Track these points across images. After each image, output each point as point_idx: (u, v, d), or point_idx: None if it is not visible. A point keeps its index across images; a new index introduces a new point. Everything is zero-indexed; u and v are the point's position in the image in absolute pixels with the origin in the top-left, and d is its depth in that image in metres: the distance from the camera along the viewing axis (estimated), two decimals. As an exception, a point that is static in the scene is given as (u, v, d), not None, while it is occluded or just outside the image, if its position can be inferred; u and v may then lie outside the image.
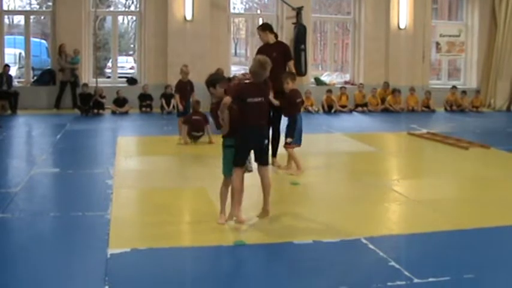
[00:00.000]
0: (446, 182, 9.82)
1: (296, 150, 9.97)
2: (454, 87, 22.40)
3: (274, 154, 10.46)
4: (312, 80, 22.78)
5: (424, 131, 15.59)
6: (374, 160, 11.82)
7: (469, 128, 17.01)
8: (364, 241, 6.38)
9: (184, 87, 13.44)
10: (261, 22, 21.79)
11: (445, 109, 21.75)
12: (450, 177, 10.27)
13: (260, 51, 10.56)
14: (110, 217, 7.07)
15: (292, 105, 9.83)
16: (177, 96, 13.45)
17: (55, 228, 6.91)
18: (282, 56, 10.37)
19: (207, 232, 6.74)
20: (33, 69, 21.87)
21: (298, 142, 9.97)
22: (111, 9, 34.58)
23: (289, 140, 9.83)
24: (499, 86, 22.77)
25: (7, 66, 19.27)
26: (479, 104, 22.12)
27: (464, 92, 22.16)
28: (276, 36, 10.73)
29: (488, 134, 15.96)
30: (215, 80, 7.19)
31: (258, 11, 32.78)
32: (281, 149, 10.38)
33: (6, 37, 21.41)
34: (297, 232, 6.80)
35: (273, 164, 10.38)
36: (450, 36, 23.69)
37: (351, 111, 20.65)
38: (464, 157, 12.17)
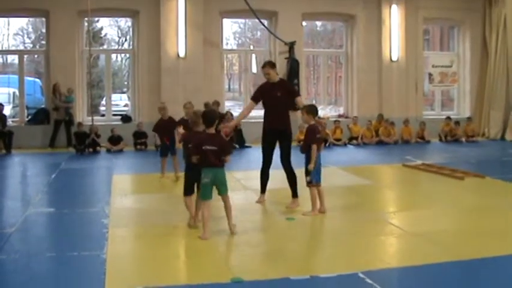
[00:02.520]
0: (442, 213, 9.79)
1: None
2: (448, 117, 22.50)
3: (294, 194, 10.34)
4: (306, 114, 22.80)
5: (419, 162, 15.61)
6: (369, 193, 11.79)
7: (464, 158, 17.03)
8: (361, 275, 6.34)
9: (164, 126, 13.26)
10: (254, 58, 21.97)
11: (440, 139, 21.83)
12: (446, 208, 10.22)
13: (263, 88, 10.54)
14: (105, 256, 7.03)
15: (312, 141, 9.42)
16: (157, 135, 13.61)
17: (51, 268, 6.85)
18: (286, 95, 10.29)
19: (203, 269, 6.72)
20: (27, 108, 21.91)
21: (318, 181, 9.52)
22: (105, 47, 34.93)
23: (308, 178, 9.43)
24: (492, 115, 22.89)
25: (1, 105, 19.32)
26: (472, 132, 22.20)
27: (457, 122, 22.25)
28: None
29: (484, 163, 16.00)
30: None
31: (251, 47, 32.87)
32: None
33: (0, 76, 21.46)
34: (293, 267, 6.76)
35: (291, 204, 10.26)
36: (442, 66, 23.89)
37: (345, 144, 20.68)
38: (460, 187, 12.18)
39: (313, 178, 9.43)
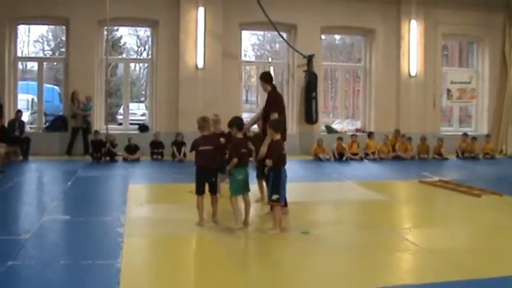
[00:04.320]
0: (458, 230, 9.73)
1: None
2: (465, 134, 22.39)
3: None
4: (323, 127, 22.82)
5: (436, 178, 15.51)
6: (385, 209, 11.71)
7: (481, 175, 16.93)
8: (377, 292, 6.31)
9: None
10: (272, 70, 21.95)
11: (457, 156, 21.70)
12: (463, 225, 10.18)
13: None
14: (120, 266, 7.03)
15: (276, 157, 9.14)
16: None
17: (65, 276, 6.84)
18: (266, 107, 10.55)
19: (218, 281, 6.69)
20: (45, 115, 22.00)
21: (282, 200, 9.23)
22: (123, 56, 35.07)
23: (275, 196, 9.04)
24: (510, 132, 22.81)
25: (19, 112, 19.44)
26: (490, 150, 22.06)
27: (474, 138, 22.14)
28: (272, 86, 10.69)
29: (501, 180, 15.90)
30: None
31: (269, 59, 32.89)
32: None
33: (19, 83, 21.59)
34: (309, 282, 6.72)
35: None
36: (461, 83, 23.76)
37: (361, 158, 20.62)
38: (476, 205, 12.08)
39: (281, 196, 9.16)
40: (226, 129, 12.27)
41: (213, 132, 12.07)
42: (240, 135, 9.54)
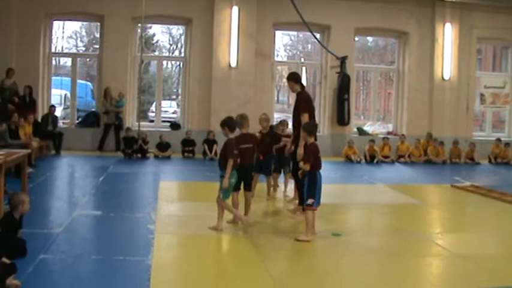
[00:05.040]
0: (490, 236, 9.63)
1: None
2: (498, 139, 22.17)
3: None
4: (355, 129, 22.73)
5: (468, 183, 15.38)
6: (416, 212, 11.66)
7: (513, 181, 16.77)
8: (408, 296, 6.26)
9: (263, 140, 11.93)
10: (304, 71, 21.90)
11: (489, 161, 21.49)
12: (494, 231, 10.07)
13: None
14: (151, 263, 7.05)
15: (313, 160, 8.79)
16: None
17: (96, 271, 6.89)
18: (296, 108, 10.49)
19: (248, 282, 6.70)
20: (78, 110, 22.16)
21: (316, 204, 8.82)
22: (156, 53, 35.23)
23: (310, 201, 8.74)
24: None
25: (53, 107, 19.61)
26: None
27: (507, 144, 21.90)
28: (301, 86, 10.60)
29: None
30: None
31: (302, 60, 32.91)
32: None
33: (53, 78, 21.77)
34: (338, 287, 6.70)
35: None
36: (495, 87, 23.53)
37: (393, 161, 20.49)
38: (509, 211, 11.96)
39: (316, 202, 8.82)
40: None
41: (260, 131, 12.31)
42: (232, 135, 9.22)
